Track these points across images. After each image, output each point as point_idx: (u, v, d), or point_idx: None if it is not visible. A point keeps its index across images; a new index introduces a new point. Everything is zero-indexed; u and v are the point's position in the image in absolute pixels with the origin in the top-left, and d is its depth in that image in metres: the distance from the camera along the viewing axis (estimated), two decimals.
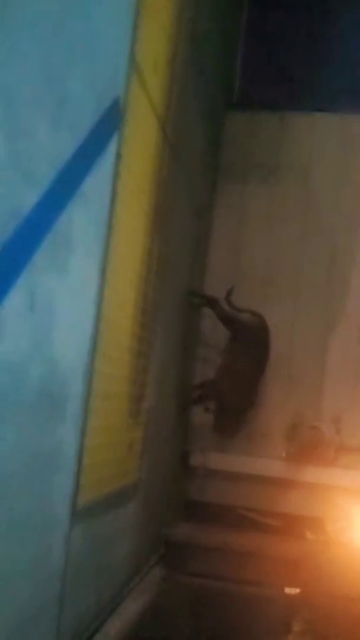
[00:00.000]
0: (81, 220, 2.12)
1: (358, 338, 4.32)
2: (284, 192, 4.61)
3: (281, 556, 3.75)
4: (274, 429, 4.20)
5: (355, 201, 4.51)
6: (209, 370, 4.25)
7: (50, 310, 1.95)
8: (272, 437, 4.19)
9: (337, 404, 4.24)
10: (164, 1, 2.93)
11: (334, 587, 3.43)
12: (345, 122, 4.62)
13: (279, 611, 3.25)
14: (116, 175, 2.44)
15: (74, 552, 2.33)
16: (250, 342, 4.15)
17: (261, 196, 4.61)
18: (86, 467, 2.34)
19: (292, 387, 4.28)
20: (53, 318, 1.97)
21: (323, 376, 4.28)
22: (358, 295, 4.38)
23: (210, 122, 4.30)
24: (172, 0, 3.06)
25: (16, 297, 1.70)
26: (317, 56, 4.85)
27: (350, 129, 4.61)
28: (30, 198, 1.74)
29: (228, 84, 4.76)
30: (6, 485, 1.78)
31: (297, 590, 3.54)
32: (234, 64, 4.82)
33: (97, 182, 2.24)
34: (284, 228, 4.55)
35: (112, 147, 2.37)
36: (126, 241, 2.64)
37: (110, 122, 2.30)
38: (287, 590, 3.55)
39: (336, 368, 4.30)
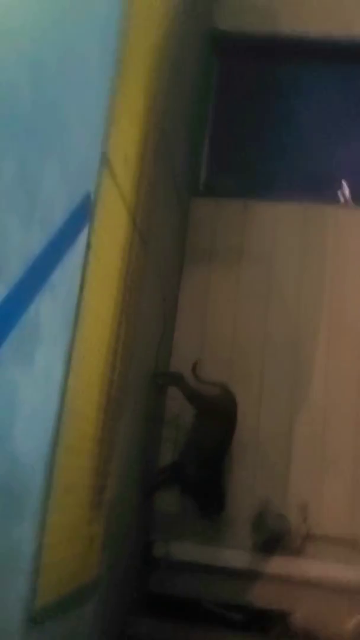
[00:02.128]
0: (49, 310, 2.12)
1: (323, 423, 4.32)
2: (248, 276, 4.71)
3: None
4: (240, 517, 4.09)
5: (316, 287, 4.63)
6: (175, 454, 4.17)
7: (13, 405, 1.90)
8: (238, 526, 4.07)
9: (303, 491, 4.17)
10: (136, 99, 3.05)
11: None
12: (305, 211, 4.80)
13: None
14: (85, 265, 2.46)
15: None
16: (217, 415, 4.10)
17: (226, 280, 4.70)
18: (45, 566, 2.22)
19: (258, 473, 4.21)
20: (15, 412, 1.92)
21: (289, 462, 4.23)
22: (322, 380, 4.41)
23: (178, 209, 4.42)
24: (145, 97, 3.21)
25: None
26: (278, 146, 5.10)
27: (310, 218, 4.79)
28: None
29: (194, 173, 4.93)
30: None
31: None
32: (200, 154, 5.01)
33: (66, 272, 2.26)
34: (248, 311, 4.62)
35: (82, 239, 2.40)
36: (93, 328, 2.63)
37: (81, 215, 2.34)
38: None
39: (302, 454, 4.26)
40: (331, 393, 4.41)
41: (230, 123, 5.18)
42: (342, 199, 4.83)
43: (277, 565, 3.96)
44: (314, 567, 3.94)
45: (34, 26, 1.79)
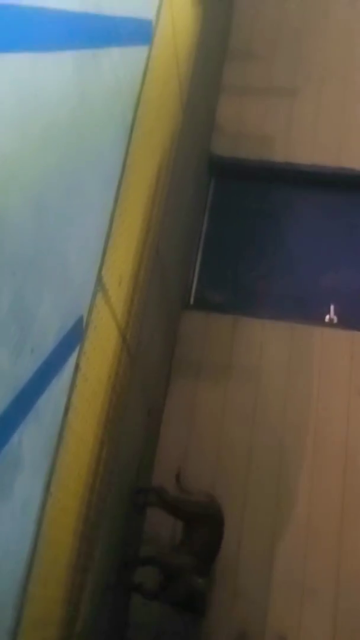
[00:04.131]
0: (32, 437, 2.09)
1: (305, 548, 4.19)
2: (235, 390, 4.71)
3: None
4: None
5: (302, 404, 4.63)
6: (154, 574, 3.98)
7: None
8: None
9: (282, 621, 3.97)
10: (134, 223, 3.17)
11: None
12: (293, 330, 4.89)
13: None
14: (72, 387, 2.46)
15: None
16: (205, 521, 3.89)
17: (213, 392, 4.69)
18: None
19: (236, 601, 4.02)
20: None
21: (269, 590, 4.06)
22: (305, 501, 4.31)
23: (168, 321, 4.49)
24: (142, 221, 3.33)
25: None
26: (268, 268, 5.27)
27: (297, 337, 4.87)
28: None
29: (186, 287, 5.05)
30: None
31: None
32: (192, 270, 5.16)
33: (52, 396, 2.25)
34: (234, 426, 4.58)
35: (71, 361, 2.41)
36: (75, 452, 2.58)
37: (72, 338, 2.36)
38: None
39: (283, 580, 4.09)
40: (314, 516, 4.30)
41: (222, 241, 5.37)
42: (328, 320, 4.94)
43: None
44: None
45: (38, 166, 1.88)
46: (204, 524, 3.93)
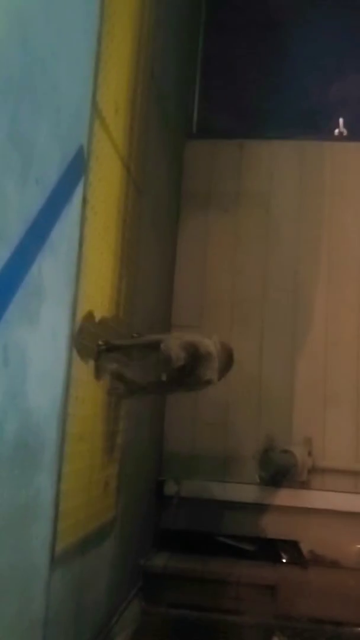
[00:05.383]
0: (50, 268, 2.14)
1: (324, 360, 4.41)
2: (245, 218, 4.70)
3: (258, 581, 3.78)
4: (246, 453, 4.24)
5: (315, 225, 4.63)
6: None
7: (23, 362, 1.96)
8: (245, 463, 4.23)
9: (307, 426, 4.31)
10: (123, 43, 2.98)
11: (314, 610, 3.47)
12: (302, 148, 4.75)
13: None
14: (83, 220, 2.47)
15: (54, 598, 2.32)
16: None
17: (223, 222, 4.69)
18: (63, 512, 2.34)
19: (262, 411, 4.34)
20: (26, 369, 1.98)
21: (292, 399, 4.35)
22: (322, 319, 4.47)
23: (172, 152, 4.37)
24: (132, 40, 3.12)
25: None
26: (274, 83, 4.99)
27: (307, 155, 4.74)
28: (1, 255, 1.76)
29: (187, 115, 4.84)
30: None
31: None
32: (192, 95, 4.91)
33: (64, 228, 2.27)
34: (247, 254, 4.63)
35: (78, 193, 2.40)
36: (95, 283, 2.66)
37: (75, 169, 2.33)
38: None
39: (305, 390, 4.37)
40: (332, 329, 4.48)
41: (222, 59, 5.04)
42: (337, 134, 4.77)
43: (285, 497, 4.14)
44: (319, 497, 4.11)
45: None
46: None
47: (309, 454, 4.19)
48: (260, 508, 4.15)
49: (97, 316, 2.69)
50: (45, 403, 2.16)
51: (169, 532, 4.20)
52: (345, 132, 4.75)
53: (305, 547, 4.05)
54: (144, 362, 2.81)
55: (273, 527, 4.15)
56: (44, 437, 2.16)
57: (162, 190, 4.15)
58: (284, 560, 4.07)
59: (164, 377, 2.64)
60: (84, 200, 2.47)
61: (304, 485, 4.17)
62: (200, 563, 3.92)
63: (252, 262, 4.61)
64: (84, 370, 2.56)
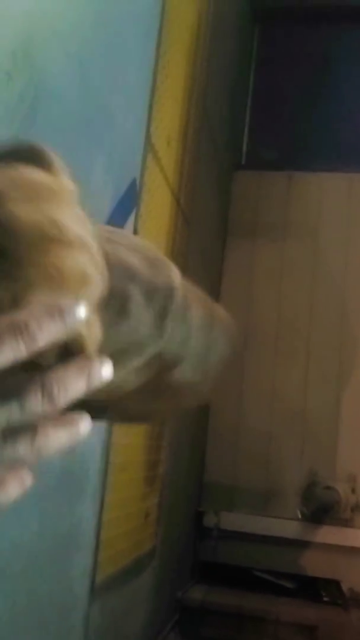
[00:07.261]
0: None
1: None
2: (292, 249, 4.68)
3: (298, 621, 3.69)
4: (288, 488, 4.16)
5: None
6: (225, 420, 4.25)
7: None
8: (287, 497, 4.15)
9: (352, 462, 4.21)
10: (177, 78, 3.04)
11: None
12: (352, 181, 4.72)
13: None
14: None
15: (92, 629, 2.31)
16: None
17: (270, 254, 4.68)
18: (104, 542, 2.34)
19: (306, 445, 4.27)
20: None
21: (337, 433, 4.27)
22: None
23: (220, 183, 4.41)
24: (185, 75, 3.19)
25: None
26: (323, 116, 5.00)
27: (355, 187, 4.71)
28: None
29: (236, 146, 4.88)
30: (29, 570, 1.79)
31: None
32: (242, 126, 4.96)
33: None
34: (293, 286, 4.61)
35: (129, 225, 2.44)
36: None
37: (128, 202, 2.38)
38: None
39: (350, 425, 4.29)
40: None
41: (272, 94, 5.09)
42: None
43: (327, 535, 4.04)
44: None
45: (80, 25, 1.80)
46: None
47: (353, 491, 4.09)
48: (300, 544, 4.06)
49: None
50: (91, 431, 2.18)
51: (207, 564, 4.15)
52: None
53: (345, 586, 3.93)
54: None
55: (313, 564, 4.04)
56: (88, 466, 2.18)
57: (210, 220, 4.18)
58: (325, 599, 3.95)
59: None
60: (135, 232, 2.51)
61: (347, 523, 4.06)
62: (238, 598, 3.84)
63: (298, 293, 4.58)
64: None
